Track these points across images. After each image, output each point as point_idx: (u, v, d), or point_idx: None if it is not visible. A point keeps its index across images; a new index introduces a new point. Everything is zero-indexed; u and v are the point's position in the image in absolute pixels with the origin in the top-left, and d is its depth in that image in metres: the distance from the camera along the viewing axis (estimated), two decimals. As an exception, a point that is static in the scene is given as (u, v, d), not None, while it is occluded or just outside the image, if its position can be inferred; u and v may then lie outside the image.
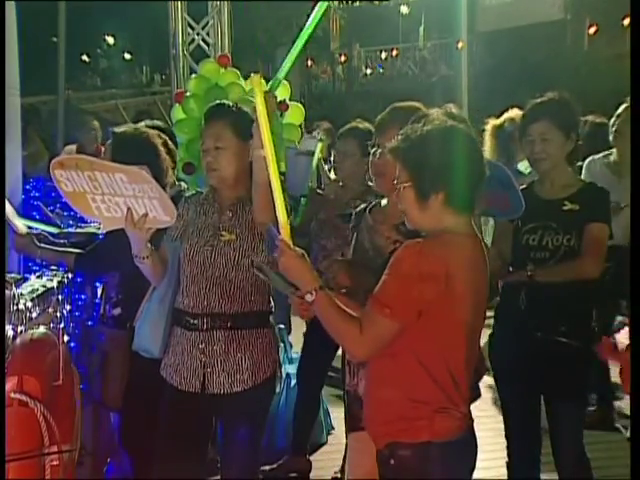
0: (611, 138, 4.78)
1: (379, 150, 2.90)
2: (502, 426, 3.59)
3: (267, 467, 4.33)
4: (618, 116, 4.79)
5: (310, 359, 4.57)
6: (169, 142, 3.93)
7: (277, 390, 3.59)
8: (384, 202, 3.00)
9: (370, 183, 4.41)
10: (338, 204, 4.26)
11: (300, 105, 6.15)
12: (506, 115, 5.19)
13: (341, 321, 2.37)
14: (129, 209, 2.91)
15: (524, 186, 3.58)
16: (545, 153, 3.40)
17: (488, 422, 4.35)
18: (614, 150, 4.87)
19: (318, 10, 3.16)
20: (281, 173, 3.01)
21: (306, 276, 2.41)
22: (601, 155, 4.88)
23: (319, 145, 5.15)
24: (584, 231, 3.32)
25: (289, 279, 2.45)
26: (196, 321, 3.13)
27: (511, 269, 3.41)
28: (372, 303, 2.35)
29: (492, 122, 5.21)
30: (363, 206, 3.09)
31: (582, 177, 4.83)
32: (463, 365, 2.43)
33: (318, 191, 4.43)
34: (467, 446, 2.48)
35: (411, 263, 2.31)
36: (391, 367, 2.41)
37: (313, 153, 5.27)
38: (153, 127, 3.99)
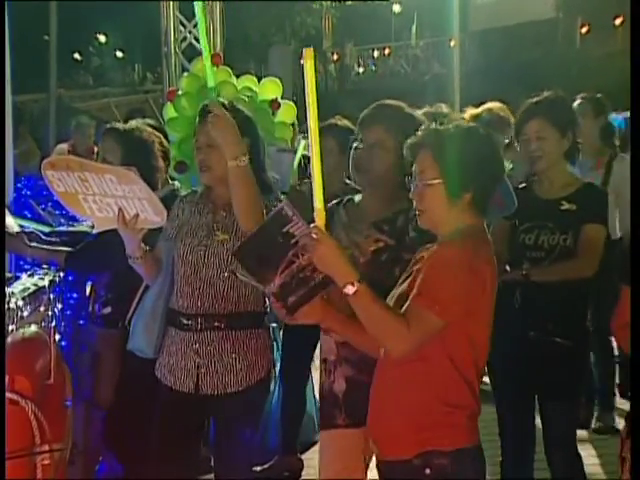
0: None
1: (361, 145, 2.84)
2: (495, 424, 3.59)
3: (258, 468, 4.32)
4: None
5: (291, 357, 4.55)
6: (164, 141, 3.91)
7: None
8: (357, 198, 2.95)
9: (348, 181, 4.39)
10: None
11: (292, 103, 6.14)
12: (484, 106, 5.16)
13: (387, 316, 2.26)
14: (120, 210, 2.91)
15: (524, 185, 3.57)
16: (541, 151, 3.38)
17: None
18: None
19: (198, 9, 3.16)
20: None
21: (346, 267, 2.25)
22: None
23: (302, 143, 5.13)
24: (580, 231, 3.31)
25: (323, 270, 2.28)
26: (190, 322, 3.12)
27: (508, 268, 3.40)
28: (419, 299, 2.27)
29: (470, 111, 5.19)
30: (335, 202, 3.02)
31: None
32: (484, 366, 2.44)
33: (297, 188, 4.41)
34: (482, 450, 2.47)
35: (461, 262, 2.27)
36: (423, 371, 2.33)
37: (296, 151, 5.26)
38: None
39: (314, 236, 2.25)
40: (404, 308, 2.30)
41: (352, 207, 2.92)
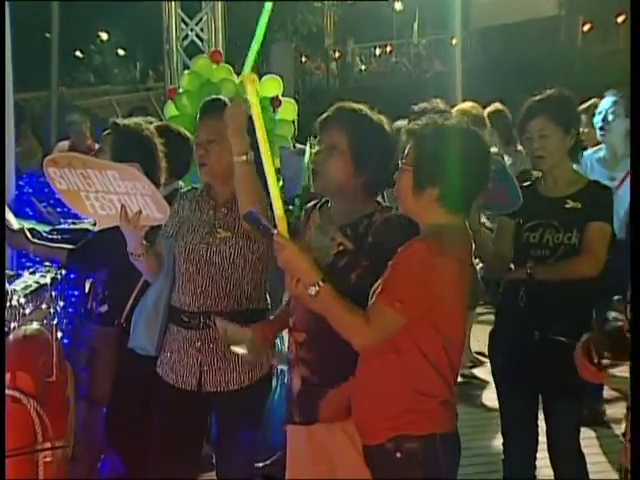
0: (599, 134, 4.78)
1: (318, 148, 2.82)
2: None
3: (260, 464, 4.32)
4: (600, 112, 4.81)
5: None
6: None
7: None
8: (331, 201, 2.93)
9: None
10: None
11: (293, 101, 6.16)
12: (457, 107, 5.16)
13: (347, 313, 2.37)
14: (123, 206, 2.90)
15: (528, 183, 3.56)
16: (544, 150, 3.36)
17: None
18: (603, 145, 4.88)
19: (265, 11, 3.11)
20: (276, 170, 2.99)
21: (308, 269, 2.37)
22: (591, 151, 4.88)
23: (309, 144, 5.12)
24: (585, 230, 3.29)
25: (289, 272, 2.41)
26: (192, 319, 3.12)
27: (512, 267, 3.40)
28: (381, 296, 2.37)
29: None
30: (312, 203, 2.99)
31: None
32: (459, 358, 2.52)
33: (311, 190, 4.42)
34: (458, 437, 2.54)
35: (425, 259, 2.34)
36: (396, 363, 2.43)
37: (304, 152, 5.26)
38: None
39: (276, 242, 2.38)
40: (369, 304, 2.40)
41: (325, 210, 2.89)
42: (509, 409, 3.50)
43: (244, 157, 2.88)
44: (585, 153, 4.81)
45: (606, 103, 4.82)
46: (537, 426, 3.49)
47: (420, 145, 2.44)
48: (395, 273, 2.37)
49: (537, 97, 3.47)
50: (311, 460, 2.82)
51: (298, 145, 6.08)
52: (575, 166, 3.55)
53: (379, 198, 2.89)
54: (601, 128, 4.78)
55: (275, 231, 2.41)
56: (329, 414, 2.73)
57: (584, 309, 3.40)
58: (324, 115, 2.84)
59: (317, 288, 2.35)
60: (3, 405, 2.51)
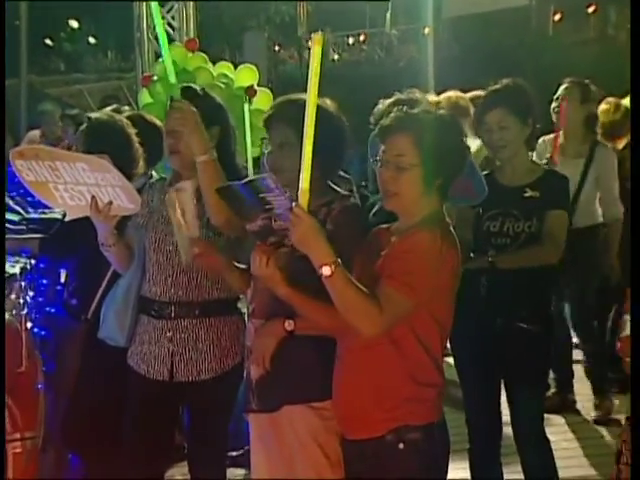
0: (554, 119, 4.80)
1: (270, 147, 2.81)
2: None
3: (234, 453, 4.32)
4: (557, 99, 4.84)
5: None
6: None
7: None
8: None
9: None
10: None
11: (268, 91, 6.13)
12: (445, 94, 5.17)
13: (360, 299, 2.29)
14: (93, 197, 2.88)
15: (486, 172, 3.59)
16: (504, 141, 3.40)
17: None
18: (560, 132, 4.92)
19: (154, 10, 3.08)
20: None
21: (324, 248, 2.26)
22: (551, 136, 4.91)
23: None
24: (544, 218, 3.36)
25: (301, 249, 2.29)
26: (163, 309, 3.12)
27: (472, 255, 3.42)
28: (391, 281, 2.32)
29: (430, 98, 5.17)
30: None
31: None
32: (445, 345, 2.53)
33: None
34: (446, 423, 2.53)
35: (433, 247, 2.33)
36: (393, 353, 2.39)
37: None
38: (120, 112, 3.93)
39: (295, 214, 2.25)
40: (376, 290, 2.34)
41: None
42: (472, 396, 3.53)
43: (203, 157, 2.85)
44: (546, 138, 4.83)
45: (561, 91, 4.87)
46: (500, 413, 3.53)
47: (421, 141, 2.38)
48: (403, 260, 2.34)
49: (493, 88, 3.50)
50: (270, 447, 2.81)
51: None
52: (532, 154, 3.59)
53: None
54: (557, 113, 4.81)
55: (294, 203, 2.26)
56: (287, 401, 2.73)
57: (544, 296, 3.47)
58: (266, 114, 2.83)
59: (332, 269, 2.24)
60: (3, 403, 2.49)
